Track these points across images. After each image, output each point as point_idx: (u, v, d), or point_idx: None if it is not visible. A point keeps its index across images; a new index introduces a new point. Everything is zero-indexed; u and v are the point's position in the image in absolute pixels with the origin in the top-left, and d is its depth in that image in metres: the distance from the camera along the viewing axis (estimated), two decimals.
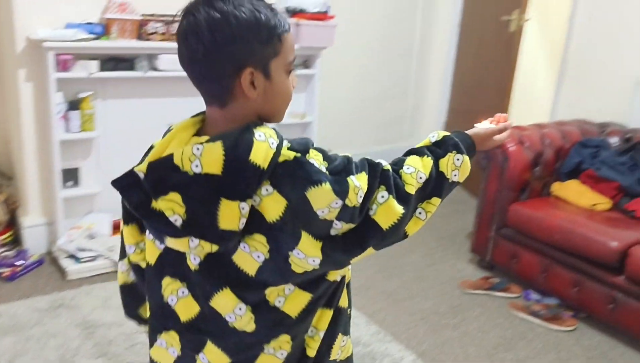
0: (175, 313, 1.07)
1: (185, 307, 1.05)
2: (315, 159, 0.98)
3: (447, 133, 1.18)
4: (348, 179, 0.98)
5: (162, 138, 1.03)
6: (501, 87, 4.20)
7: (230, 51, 0.95)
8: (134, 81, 2.99)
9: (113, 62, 2.88)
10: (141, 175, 0.95)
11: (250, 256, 0.97)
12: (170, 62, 2.88)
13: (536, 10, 4.28)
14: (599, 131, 3.38)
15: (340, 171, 0.99)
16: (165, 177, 0.94)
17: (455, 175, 1.14)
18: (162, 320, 1.10)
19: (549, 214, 2.83)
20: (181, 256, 1.02)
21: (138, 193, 0.96)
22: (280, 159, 0.95)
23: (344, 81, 4.35)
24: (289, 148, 0.97)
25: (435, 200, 1.11)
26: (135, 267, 1.17)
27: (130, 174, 0.96)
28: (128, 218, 1.13)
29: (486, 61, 4.41)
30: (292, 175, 0.95)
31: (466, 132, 1.23)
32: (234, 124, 0.96)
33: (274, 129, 0.99)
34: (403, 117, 4.92)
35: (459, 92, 4.77)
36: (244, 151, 0.92)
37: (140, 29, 2.91)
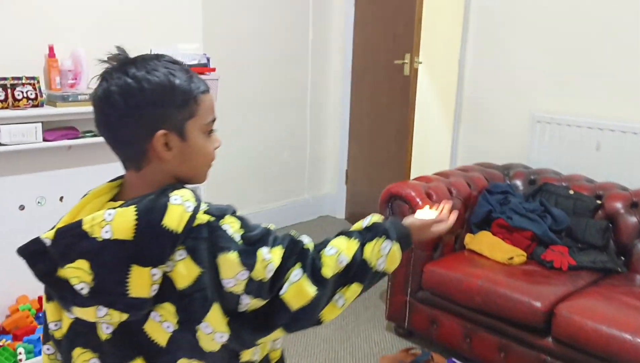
0: None
1: None
2: (230, 225, 0.95)
3: (380, 220, 1.16)
4: (259, 251, 0.96)
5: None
6: (401, 131, 4.04)
7: (142, 116, 0.95)
8: None
9: None
10: (47, 242, 0.93)
11: (160, 326, 0.94)
12: (15, 134, 2.34)
13: (426, 54, 4.18)
14: (503, 174, 3.25)
15: (255, 241, 0.96)
16: (73, 244, 0.91)
17: (381, 263, 1.09)
18: None
19: (468, 274, 2.58)
20: (92, 326, 0.98)
21: (44, 260, 0.93)
22: (195, 223, 0.93)
23: (234, 135, 3.99)
24: (205, 212, 0.95)
25: (356, 286, 1.06)
26: (59, 343, 1.08)
27: (36, 241, 0.94)
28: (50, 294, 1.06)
29: (382, 106, 4.24)
30: (205, 240, 0.92)
31: (402, 221, 1.21)
32: (151, 188, 0.96)
33: (193, 191, 0.97)
34: (302, 169, 4.62)
35: (358, 140, 4.56)
36: (157, 215, 0.90)
37: None
